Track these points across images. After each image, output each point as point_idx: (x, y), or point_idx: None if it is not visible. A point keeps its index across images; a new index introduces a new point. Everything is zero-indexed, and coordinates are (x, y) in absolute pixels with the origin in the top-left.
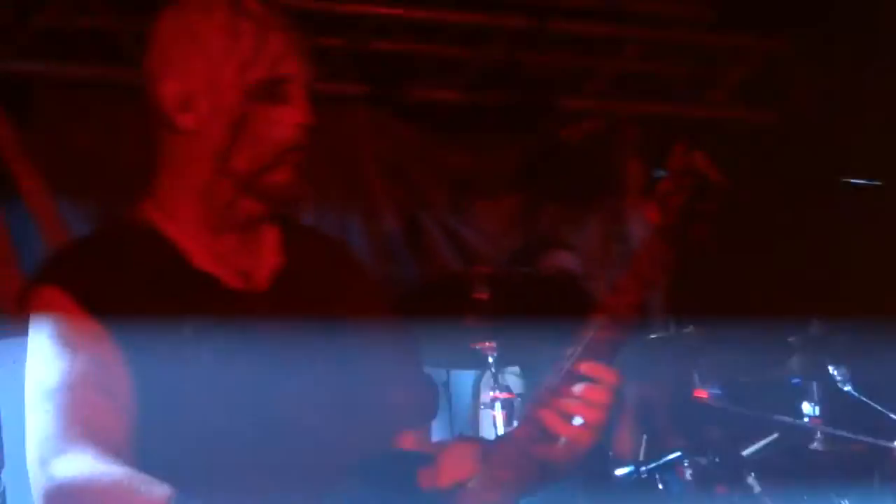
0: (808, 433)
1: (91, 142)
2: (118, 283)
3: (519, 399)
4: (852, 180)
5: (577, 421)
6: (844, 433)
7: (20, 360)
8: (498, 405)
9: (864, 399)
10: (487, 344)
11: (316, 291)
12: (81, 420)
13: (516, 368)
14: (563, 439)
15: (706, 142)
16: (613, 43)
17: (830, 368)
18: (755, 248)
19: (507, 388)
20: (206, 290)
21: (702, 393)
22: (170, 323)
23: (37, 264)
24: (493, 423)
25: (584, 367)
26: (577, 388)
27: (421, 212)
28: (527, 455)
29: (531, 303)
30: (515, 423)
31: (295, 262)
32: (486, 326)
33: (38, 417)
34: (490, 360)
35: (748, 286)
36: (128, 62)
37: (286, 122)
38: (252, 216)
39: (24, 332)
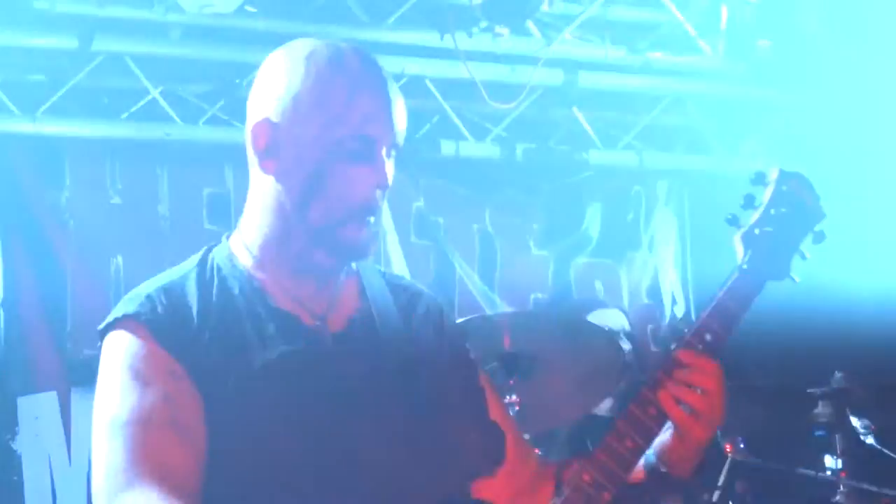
0: (831, 486)
1: (122, 200)
2: (197, 319)
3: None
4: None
5: (686, 408)
6: (867, 486)
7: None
8: None
9: (887, 451)
10: (512, 399)
11: (389, 335)
12: (151, 456)
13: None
14: (674, 425)
15: None
16: (644, 97)
17: (853, 420)
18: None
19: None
20: (285, 328)
21: (727, 446)
22: (245, 359)
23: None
24: None
25: (684, 356)
26: (683, 375)
27: (451, 267)
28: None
29: (562, 352)
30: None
31: (371, 306)
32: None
33: (107, 450)
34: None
35: (770, 337)
36: (161, 120)
37: (364, 182)
38: (323, 267)
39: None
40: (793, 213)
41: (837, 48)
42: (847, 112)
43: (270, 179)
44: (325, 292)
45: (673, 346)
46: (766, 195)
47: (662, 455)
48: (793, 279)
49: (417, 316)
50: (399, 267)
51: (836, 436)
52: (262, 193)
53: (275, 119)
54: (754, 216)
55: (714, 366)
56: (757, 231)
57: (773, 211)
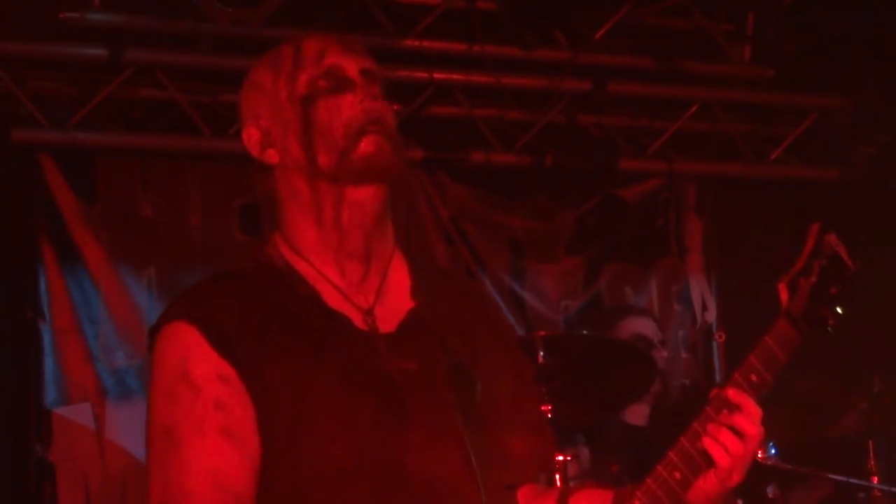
0: (865, 491)
1: (154, 212)
2: (249, 322)
3: (575, 461)
4: None
5: (732, 453)
6: None
7: None
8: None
9: None
10: (545, 407)
11: (443, 336)
12: (203, 465)
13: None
14: (716, 469)
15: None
16: (672, 103)
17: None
18: None
19: (564, 451)
20: (337, 330)
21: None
22: (299, 363)
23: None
24: (549, 484)
25: (733, 395)
26: (730, 415)
27: (481, 275)
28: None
29: (593, 365)
30: (571, 485)
31: (424, 306)
32: (545, 390)
33: (159, 459)
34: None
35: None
36: (191, 132)
37: (347, 104)
38: (364, 207)
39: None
40: (831, 266)
41: (864, 52)
42: (875, 115)
43: (278, 169)
44: (372, 279)
45: (718, 384)
46: (807, 246)
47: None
48: (829, 330)
49: (467, 308)
50: None
51: (870, 441)
52: (281, 188)
53: (254, 118)
54: (798, 265)
55: (758, 411)
56: (801, 281)
57: (814, 262)
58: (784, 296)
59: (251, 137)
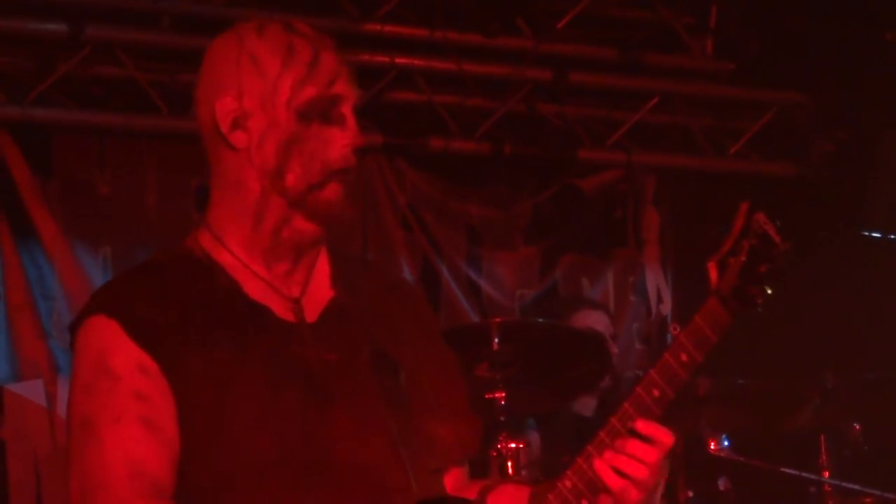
0: (816, 485)
1: (110, 190)
2: (169, 314)
3: (527, 448)
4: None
5: (628, 477)
6: (853, 486)
7: None
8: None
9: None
10: (498, 394)
11: (364, 325)
12: (124, 457)
13: (530, 419)
14: (611, 493)
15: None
16: (633, 95)
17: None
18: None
19: (516, 438)
20: (259, 321)
21: (710, 442)
22: (220, 354)
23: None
24: (501, 471)
25: (642, 427)
26: (631, 446)
27: (438, 262)
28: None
29: (548, 355)
30: (523, 473)
31: (345, 296)
32: (499, 377)
33: (79, 449)
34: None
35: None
36: (149, 110)
37: (338, 142)
38: (304, 235)
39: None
40: (760, 245)
41: (824, 49)
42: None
43: (240, 155)
44: (298, 274)
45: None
46: (736, 226)
47: None
48: (758, 309)
49: (386, 297)
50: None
51: (822, 436)
52: (230, 172)
53: (239, 92)
54: (727, 244)
55: (670, 437)
56: (731, 260)
57: (743, 242)
58: (713, 275)
59: (225, 108)
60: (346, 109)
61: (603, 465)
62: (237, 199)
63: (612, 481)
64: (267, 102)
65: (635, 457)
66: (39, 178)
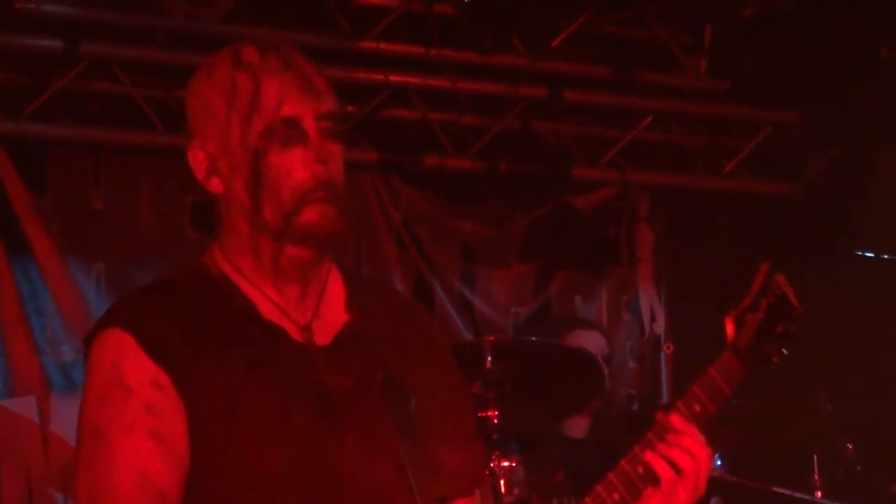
0: None
1: (105, 205)
2: (184, 331)
3: (520, 467)
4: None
5: (677, 469)
6: None
7: None
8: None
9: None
10: (491, 412)
11: (377, 349)
12: (132, 467)
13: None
14: (660, 485)
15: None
16: (627, 113)
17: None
18: None
19: (509, 456)
20: (273, 341)
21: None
22: (233, 372)
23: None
24: (494, 490)
25: (677, 421)
26: (676, 437)
27: (431, 279)
28: None
29: (541, 373)
30: (516, 491)
31: (359, 320)
32: (492, 395)
33: (90, 459)
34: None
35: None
36: (145, 127)
37: (297, 164)
38: (304, 262)
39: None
40: (778, 305)
41: (817, 68)
42: (828, 131)
43: (222, 199)
44: (310, 298)
45: (662, 411)
46: (756, 283)
47: None
48: (772, 367)
49: (400, 322)
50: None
51: (815, 455)
52: (223, 214)
53: (202, 139)
54: (746, 300)
55: (702, 436)
56: (749, 316)
57: (762, 300)
58: (730, 329)
59: (196, 159)
60: (306, 123)
61: (654, 456)
62: (235, 238)
63: (663, 470)
64: (224, 145)
65: (682, 446)
66: (34, 193)
